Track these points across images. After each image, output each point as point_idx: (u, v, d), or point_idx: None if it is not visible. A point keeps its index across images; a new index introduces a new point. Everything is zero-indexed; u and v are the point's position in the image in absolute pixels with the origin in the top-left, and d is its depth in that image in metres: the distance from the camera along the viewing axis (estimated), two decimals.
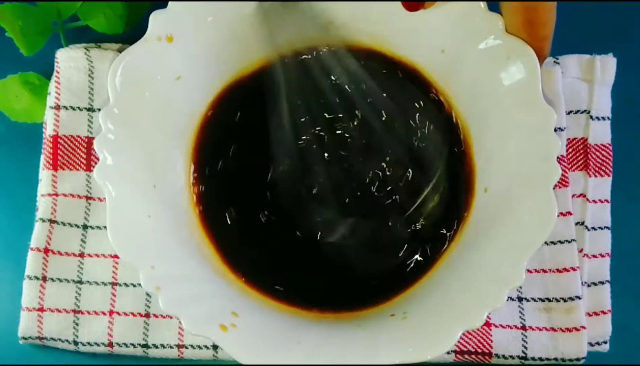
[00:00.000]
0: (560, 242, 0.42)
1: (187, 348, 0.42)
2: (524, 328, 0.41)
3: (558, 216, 0.35)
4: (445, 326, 0.35)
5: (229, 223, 0.41)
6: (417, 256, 0.40)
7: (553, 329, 0.41)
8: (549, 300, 0.41)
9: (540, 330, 0.41)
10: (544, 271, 0.42)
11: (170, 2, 0.38)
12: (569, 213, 0.42)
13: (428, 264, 0.40)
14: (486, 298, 0.35)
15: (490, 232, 0.37)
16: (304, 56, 0.39)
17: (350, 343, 0.36)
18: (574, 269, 0.41)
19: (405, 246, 0.40)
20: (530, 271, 0.42)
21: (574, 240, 0.42)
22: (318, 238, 0.41)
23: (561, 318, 0.41)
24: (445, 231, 0.40)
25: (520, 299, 0.42)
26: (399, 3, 0.39)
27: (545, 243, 0.41)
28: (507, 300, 0.40)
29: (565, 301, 0.41)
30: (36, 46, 0.43)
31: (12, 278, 0.43)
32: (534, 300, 0.42)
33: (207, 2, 0.39)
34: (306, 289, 0.40)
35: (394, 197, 0.41)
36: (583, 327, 0.41)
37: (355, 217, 0.41)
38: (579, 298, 0.41)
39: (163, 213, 0.39)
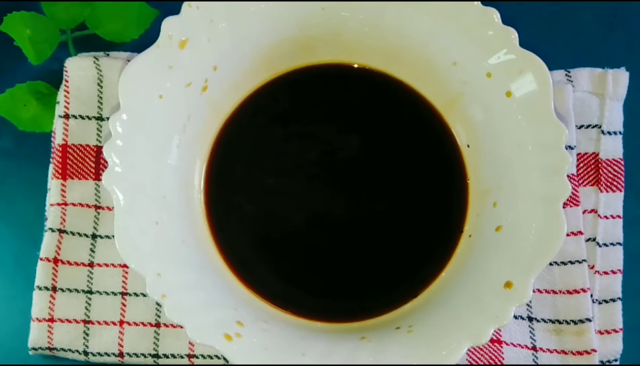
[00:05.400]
0: (571, 262, 0.41)
1: (197, 357, 0.42)
2: (534, 348, 0.41)
3: (568, 235, 0.35)
4: (451, 341, 0.35)
5: (238, 232, 0.41)
6: (422, 269, 0.40)
7: (564, 351, 0.41)
8: (559, 322, 0.41)
9: (551, 352, 0.41)
10: (554, 292, 0.41)
11: (183, 8, 0.38)
12: (580, 233, 0.41)
13: (434, 278, 0.40)
14: (492, 314, 0.35)
15: (498, 247, 0.38)
16: (314, 71, 0.39)
17: (355, 355, 0.36)
18: (584, 290, 0.41)
19: (410, 259, 0.41)
20: (541, 292, 0.41)
21: (584, 260, 0.41)
22: (325, 249, 0.41)
23: (571, 340, 0.41)
24: (449, 245, 0.40)
25: (530, 319, 0.41)
26: (411, 15, 0.39)
27: (556, 263, 0.41)
28: (517, 319, 0.41)
29: (575, 323, 0.41)
30: (44, 55, 0.43)
31: (22, 289, 0.43)
32: (544, 321, 0.41)
33: (221, 6, 0.39)
34: (312, 299, 0.41)
35: (397, 210, 0.41)
36: (594, 350, 0.40)
37: (359, 229, 0.41)
38: (589, 320, 0.41)
39: (171, 220, 0.39)
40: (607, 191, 0.42)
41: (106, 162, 0.37)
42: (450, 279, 0.39)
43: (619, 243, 0.42)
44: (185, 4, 0.38)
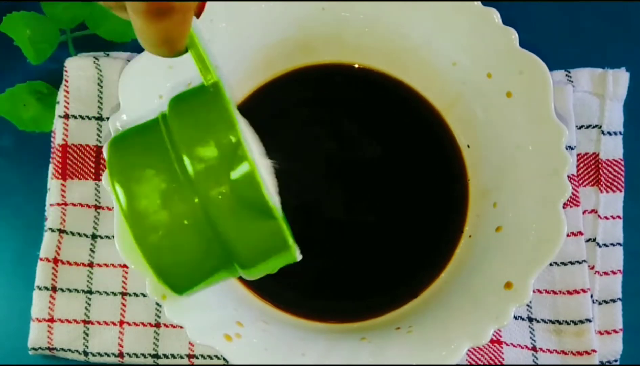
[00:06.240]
0: (571, 263, 0.41)
1: (197, 358, 0.42)
2: (534, 349, 0.41)
3: (569, 235, 0.35)
4: (451, 342, 0.35)
5: None
6: (422, 270, 0.40)
7: (564, 352, 0.41)
8: (559, 323, 0.41)
9: (551, 352, 0.41)
10: (554, 292, 0.41)
11: None
12: (580, 233, 0.41)
13: (434, 278, 0.40)
14: (492, 314, 0.35)
15: (498, 247, 0.38)
16: (314, 71, 0.39)
17: (355, 355, 0.36)
18: (584, 291, 0.41)
19: (410, 259, 0.41)
20: (541, 292, 0.41)
21: (584, 261, 0.41)
22: (325, 249, 0.41)
23: (571, 341, 0.41)
24: (449, 245, 0.40)
25: (530, 319, 0.41)
26: (411, 15, 0.39)
27: (556, 263, 0.41)
28: (517, 319, 0.41)
29: (575, 323, 0.41)
30: (44, 55, 0.43)
31: (22, 289, 0.43)
32: (544, 322, 0.41)
33: (221, 6, 0.39)
34: (312, 299, 0.41)
35: (397, 210, 0.41)
36: (594, 350, 0.40)
37: (360, 230, 0.41)
38: (589, 320, 0.41)
39: None
40: (607, 192, 0.42)
41: None
42: (450, 279, 0.39)
43: (619, 244, 0.42)
44: None
